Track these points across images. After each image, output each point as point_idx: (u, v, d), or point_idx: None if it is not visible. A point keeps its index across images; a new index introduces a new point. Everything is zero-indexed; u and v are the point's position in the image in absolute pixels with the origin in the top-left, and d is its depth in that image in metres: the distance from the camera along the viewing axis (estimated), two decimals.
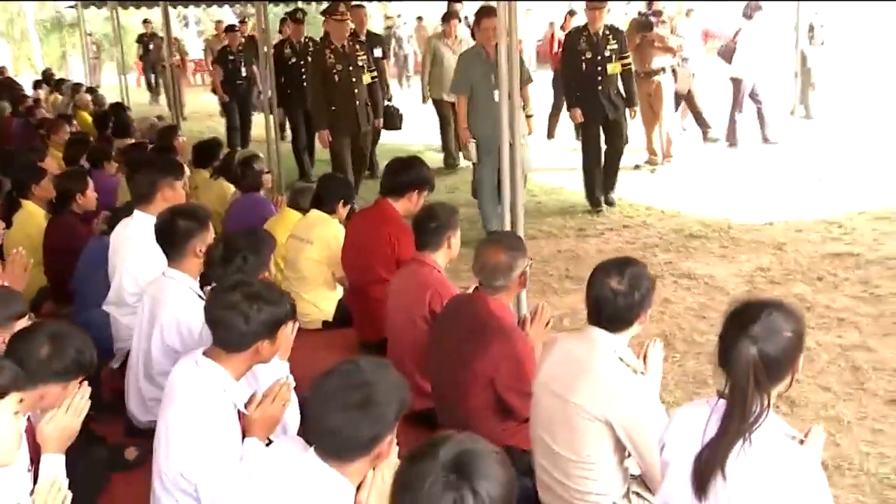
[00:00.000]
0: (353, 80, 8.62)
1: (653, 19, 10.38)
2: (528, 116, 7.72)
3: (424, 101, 11.45)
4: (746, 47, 11.54)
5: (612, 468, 3.12)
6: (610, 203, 8.82)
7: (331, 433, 2.42)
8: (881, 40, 22.23)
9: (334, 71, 8.49)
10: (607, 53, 8.40)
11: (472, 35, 8.88)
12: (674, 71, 10.94)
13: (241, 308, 3.05)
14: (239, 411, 3.09)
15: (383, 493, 2.48)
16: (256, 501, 2.51)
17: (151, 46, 21.26)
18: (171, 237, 4.10)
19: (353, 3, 10.81)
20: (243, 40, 14.11)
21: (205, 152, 7.49)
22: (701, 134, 12.05)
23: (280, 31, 12.86)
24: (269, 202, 6.31)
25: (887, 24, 23.36)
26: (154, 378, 4.02)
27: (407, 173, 5.09)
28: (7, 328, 3.40)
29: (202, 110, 18.59)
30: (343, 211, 5.57)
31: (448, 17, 11.17)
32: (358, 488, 2.49)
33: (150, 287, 4.18)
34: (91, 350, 3.04)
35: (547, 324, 3.99)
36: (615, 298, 3.11)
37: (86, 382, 2.97)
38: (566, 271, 6.81)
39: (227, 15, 27.91)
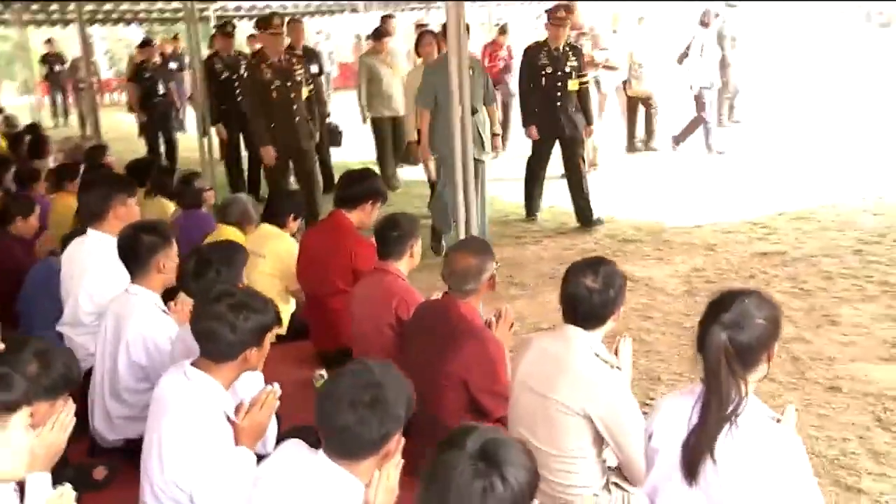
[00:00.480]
0: (292, 95, 8.20)
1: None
2: (493, 135, 7.77)
3: (364, 120, 11.04)
4: (703, 55, 11.64)
5: (592, 461, 3.18)
6: (598, 222, 8.45)
7: (342, 431, 2.45)
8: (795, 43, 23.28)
9: (272, 87, 8.09)
10: (567, 69, 8.26)
11: (416, 50, 8.96)
12: (597, 82, 11.20)
13: (227, 318, 3.06)
14: (228, 419, 3.09)
15: (390, 491, 2.54)
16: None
17: (57, 67, 20.79)
18: (135, 253, 4.05)
19: (291, 18, 10.68)
20: (160, 59, 13.65)
21: (139, 171, 7.34)
22: (644, 140, 12.43)
23: (209, 46, 12.39)
24: (212, 218, 6.25)
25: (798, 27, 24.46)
26: (121, 395, 3.99)
27: (361, 185, 5.14)
28: None
29: (115, 130, 18.21)
30: (293, 225, 5.59)
31: (379, 34, 10.99)
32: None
33: (113, 304, 4.11)
34: (77, 365, 3.02)
35: (511, 326, 4.05)
36: (590, 296, 3.18)
37: (70, 399, 2.93)
38: (509, 277, 6.89)
39: (136, 34, 27.58)
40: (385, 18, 11.38)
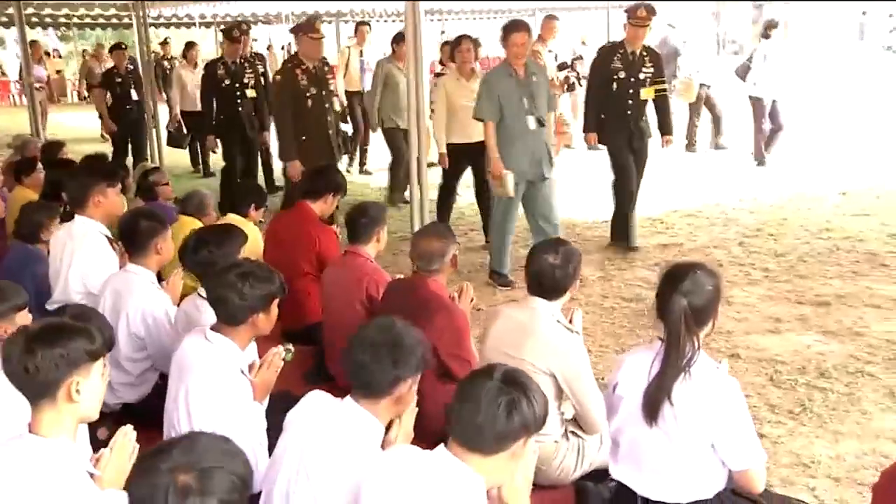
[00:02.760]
0: (326, 105, 7.27)
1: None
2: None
3: (374, 129, 10.14)
4: (768, 66, 10.80)
5: (554, 413, 3.50)
6: (634, 250, 7.40)
7: (360, 368, 2.71)
8: None
9: (307, 95, 7.09)
10: (642, 76, 7.18)
11: (451, 58, 8.13)
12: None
13: (236, 286, 3.30)
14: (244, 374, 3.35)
15: (406, 435, 2.84)
16: (298, 443, 2.75)
17: None
18: (134, 236, 4.29)
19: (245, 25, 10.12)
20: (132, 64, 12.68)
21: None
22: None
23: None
24: (171, 209, 6.38)
25: None
26: (120, 364, 4.18)
27: (323, 179, 5.43)
28: (8, 320, 3.50)
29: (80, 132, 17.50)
30: (256, 214, 5.80)
31: (400, 37, 9.52)
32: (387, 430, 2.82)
33: (112, 281, 4.33)
34: (111, 328, 3.19)
35: (471, 300, 4.35)
36: (553, 271, 3.54)
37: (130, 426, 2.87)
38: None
39: (50, 40, 27.00)
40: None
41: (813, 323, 5.68)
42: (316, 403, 2.85)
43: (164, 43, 16.11)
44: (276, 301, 3.46)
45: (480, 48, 11.85)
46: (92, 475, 2.58)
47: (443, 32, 14.87)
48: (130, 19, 16.97)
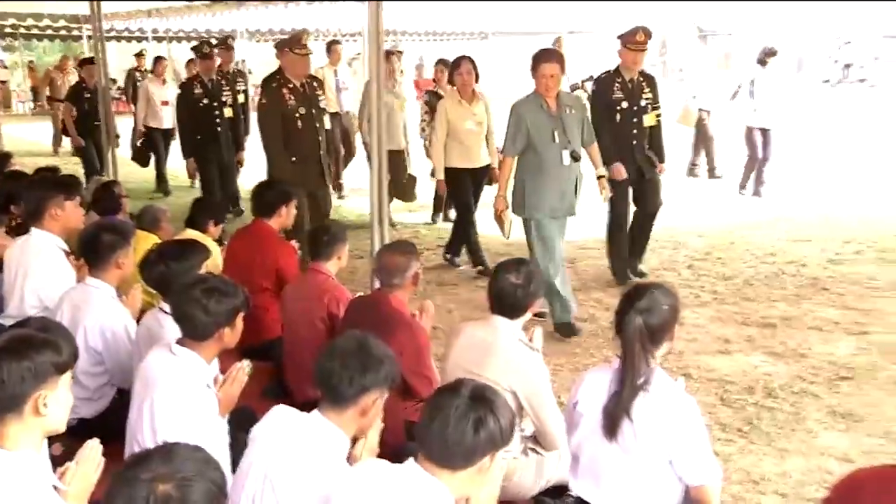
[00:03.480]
0: (317, 125, 6.78)
1: None
2: (599, 177, 6.24)
3: (365, 149, 9.12)
4: (763, 95, 10.46)
5: (515, 430, 3.58)
6: (640, 274, 7.16)
7: (329, 374, 2.73)
8: None
9: (297, 115, 6.60)
10: (643, 103, 6.76)
11: (450, 80, 7.64)
12: None
13: (200, 301, 3.28)
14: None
15: (371, 451, 2.86)
16: (264, 456, 2.74)
17: None
18: (96, 249, 4.25)
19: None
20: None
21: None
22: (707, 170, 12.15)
23: (186, 67, 11.60)
24: (130, 224, 6.32)
25: None
26: (77, 378, 4.04)
27: (271, 193, 5.43)
28: None
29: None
30: (214, 230, 5.77)
31: (386, 56, 9.30)
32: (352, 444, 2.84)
33: (71, 295, 4.28)
34: (73, 339, 3.16)
35: (431, 317, 4.39)
36: (515, 291, 3.59)
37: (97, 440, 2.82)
38: None
39: None
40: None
41: (759, 344, 5.80)
42: (281, 417, 2.85)
43: (139, 55, 15.64)
44: (241, 315, 3.45)
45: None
46: (57, 489, 2.55)
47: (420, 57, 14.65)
48: (80, 31, 16.71)
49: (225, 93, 8.57)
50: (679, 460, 2.96)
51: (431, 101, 9.01)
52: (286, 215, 5.39)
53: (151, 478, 1.88)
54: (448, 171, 7.37)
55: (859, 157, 13.73)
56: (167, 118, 11.46)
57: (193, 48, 9.47)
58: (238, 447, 2.98)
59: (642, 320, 3.00)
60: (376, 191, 5.20)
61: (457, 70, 7.34)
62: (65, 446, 4.06)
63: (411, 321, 4.10)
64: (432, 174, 8.87)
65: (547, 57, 5.73)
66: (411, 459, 2.38)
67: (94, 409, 4.19)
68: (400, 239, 5.13)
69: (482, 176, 7.51)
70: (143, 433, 3.22)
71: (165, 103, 11.42)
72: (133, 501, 1.86)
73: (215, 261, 5.39)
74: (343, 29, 19.03)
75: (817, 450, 4.33)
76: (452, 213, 8.96)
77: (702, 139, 12.22)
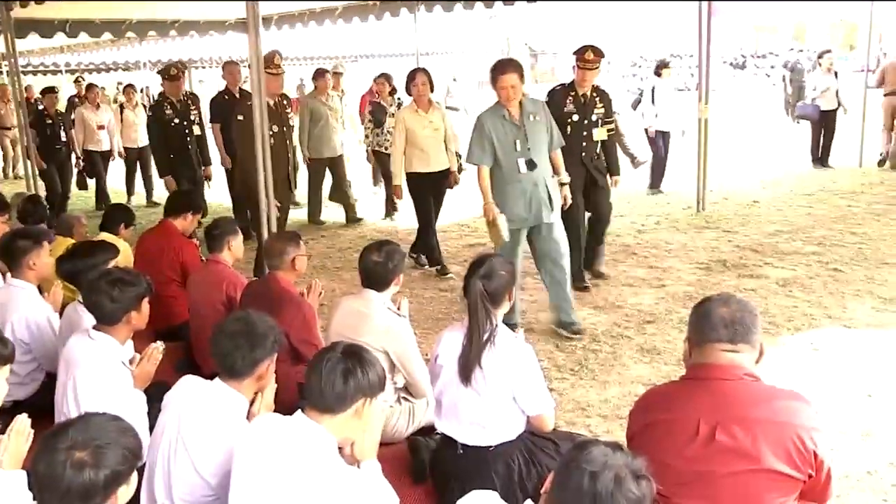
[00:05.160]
0: (287, 142, 6.29)
1: None
2: (561, 184, 5.46)
3: (305, 160, 9.08)
4: (663, 101, 9.98)
5: (388, 383, 3.55)
6: (600, 276, 6.52)
7: (224, 355, 2.72)
8: None
9: (269, 133, 5.85)
10: (594, 117, 6.14)
11: (407, 90, 6.87)
12: None
13: (106, 291, 3.24)
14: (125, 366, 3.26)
15: (267, 407, 2.85)
16: (176, 419, 2.72)
17: None
18: (12, 254, 4.13)
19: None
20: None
21: None
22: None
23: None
24: (49, 231, 6.03)
25: None
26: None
27: (184, 199, 5.32)
28: None
29: None
30: (125, 232, 5.57)
31: (320, 73, 9.14)
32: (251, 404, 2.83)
33: None
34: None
35: (319, 294, 4.37)
36: (376, 267, 3.63)
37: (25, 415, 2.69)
38: None
39: None
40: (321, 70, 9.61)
41: (587, 300, 6.01)
42: (189, 385, 2.83)
43: (78, 81, 14.54)
44: (146, 299, 3.38)
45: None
46: None
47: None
48: None
49: (192, 112, 8.00)
50: (521, 396, 3.04)
51: (376, 111, 8.83)
52: (190, 222, 5.31)
53: (69, 446, 1.86)
54: (409, 175, 6.81)
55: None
56: (105, 141, 10.86)
57: (161, 71, 8.66)
58: (155, 415, 2.92)
59: (482, 285, 3.05)
60: (263, 195, 5.17)
61: (412, 82, 6.76)
62: (2, 423, 3.92)
63: (298, 297, 4.09)
64: (382, 179, 8.92)
65: (503, 68, 5.05)
66: (299, 411, 2.39)
67: (27, 392, 4.04)
68: (289, 230, 5.07)
69: (442, 179, 6.89)
70: (69, 407, 3.14)
71: (101, 127, 10.81)
72: (53, 467, 1.84)
73: (127, 258, 5.24)
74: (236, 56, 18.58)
75: (629, 379, 4.55)
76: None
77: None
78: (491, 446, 3.09)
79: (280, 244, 4.17)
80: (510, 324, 5.78)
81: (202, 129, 8.38)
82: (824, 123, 11.34)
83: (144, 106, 11.94)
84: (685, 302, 5.71)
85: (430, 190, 6.83)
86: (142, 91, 15.36)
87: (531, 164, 5.06)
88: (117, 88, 18.75)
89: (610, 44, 32.75)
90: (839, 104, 11.23)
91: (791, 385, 2.52)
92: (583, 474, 1.78)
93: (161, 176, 8.22)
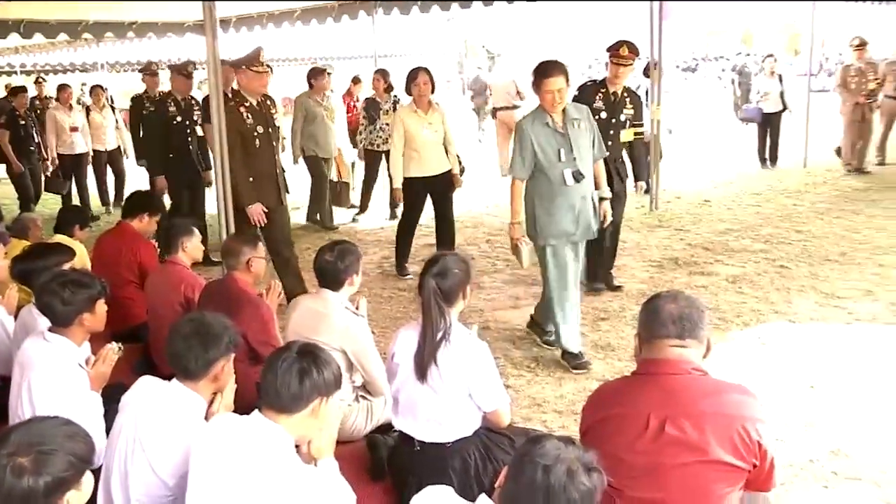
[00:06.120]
0: (274, 143, 5.76)
1: None
2: (601, 199, 4.93)
3: (296, 160, 8.84)
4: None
5: (346, 382, 3.50)
6: (614, 288, 6.11)
7: (177, 357, 2.68)
8: None
9: (255, 134, 5.52)
10: (622, 118, 5.79)
11: (407, 90, 6.46)
12: None
13: (58, 293, 3.17)
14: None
15: (227, 407, 2.81)
16: (133, 419, 2.67)
17: None
18: None
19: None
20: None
21: None
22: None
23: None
24: (3, 234, 5.89)
25: None
26: None
27: (140, 201, 5.22)
28: None
29: None
30: (81, 234, 5.46)
31: (318, 72, 8.76)
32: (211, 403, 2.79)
33: None
34: None
35: (279, 295, 4.32)
36: (329, 266, 3.61)
37: None
38: None
39: None
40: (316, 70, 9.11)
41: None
42: (146, 386, 2.78)
43: (38, 82, 13.63)
44: (100, 301, 3.31)
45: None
46: None
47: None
48: None
49: (196, 112, 7.53)
50: (476, 392, 3.03)
51: (369, 108, 8.67)
52: (147, 223, 5.18)
53: (11, 451, 1.82)
54: (404, 180, 6.45)
55: None
56: (79, 144, 10.16)
57: (174, 67, 8.03)
58: (112, 416, 2.87)
59: (435, 283, 3.02)
60: (222, 198, 5.11)
61: (413, 81, 6.31)
62: None
63: (255, 298, 4.05)
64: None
65: (548, 70, 4.54)
66: (256, 410, 2.36)
67: None
68: (249, 234, 4.99)
69: (443, 184, 6.50)
70: (23, 410, 3.05)
71: (75, 129, 10.11)
72: None
73: (83, 260, 5.14)
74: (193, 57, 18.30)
75: (584, 375, 4.60)
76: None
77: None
78: (448, 443, 3.08)
79: (235, 245, 4.13)
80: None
81: (204, 130, 7.75)
82: (769, 125, 11.59)
83: (113, 108, 11.58)
84: (638, 299, 5.77)
85: (426, 195, 6.49)
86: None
87: (578, 176, 4.59)
88: (81, 90, 18.28)
89: (565, 46, 33.27)
90: (784, 106, 11.47)
91: (739, 378, 2.57)
92: (536, 468, 1.81)
93: (152, 175, 7.53)
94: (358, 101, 10.29)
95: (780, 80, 11.53)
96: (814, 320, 5.34)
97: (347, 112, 10.57)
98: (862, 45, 10.78)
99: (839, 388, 4.30)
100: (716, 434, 2.20)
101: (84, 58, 18.18)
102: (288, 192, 6.15)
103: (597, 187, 4.87)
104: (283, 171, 6.00)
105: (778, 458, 2.31)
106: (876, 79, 10.66)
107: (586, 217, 4.69)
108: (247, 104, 5.53)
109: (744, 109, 12.75)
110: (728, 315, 5.45)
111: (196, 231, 4.66)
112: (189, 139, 7.49)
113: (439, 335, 3.00)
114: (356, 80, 10.87)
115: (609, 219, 5.05)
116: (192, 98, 7.78)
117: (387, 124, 8.48)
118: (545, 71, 4.55)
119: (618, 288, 6.12)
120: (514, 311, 5.81)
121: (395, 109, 8.35)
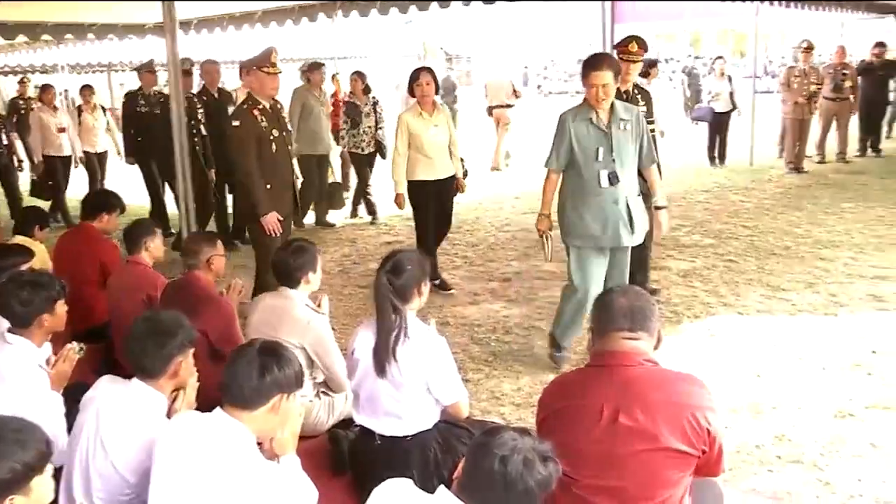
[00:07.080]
0: (289, 147, 5.44)
1: None
2: (657, 208, 4.62)
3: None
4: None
5: (307, 378, 3.53)
6: (652, 292, 5.49)
7: (134, 356, 2.64)
8: None
9: (271, 138, 5.12)
10: None
11: (410, 91, 6.02)
12: None
13: (16, 294, 3.11)
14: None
15: (189, 405, 2.77)
16: (94, 419, 2.62)
17: None
18: None
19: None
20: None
21: None
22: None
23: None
24: None
25: None
26: None
27: (98, 200, 5.14)
28: None
29: None
30: (41, 234, 5.34)
31: (316, 66, 8.54)
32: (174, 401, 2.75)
33: None
34: None
35: (239, 292, 4.27)
36: (283, 263, 3.62)
37: None
38: None
39: None
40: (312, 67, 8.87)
41: (500, 294, 6.10)
42: (107, 385, 2.74)
43: (22, 82, 12.71)
44: (60, 302, 3.24)
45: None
46: None
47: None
48: None
49: (199, 111, 7.32)
50: (435, 386, 3.03)
51: (350, 112, 8.50)
52: (107, 222, 5.07)
53: None
54: (411, 184, 5.98)
55: None
56: (66, 145, 9.56)
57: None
58: (74, 416, 2.81)
59: (388, 279, 3.00)
60: (183, 200, 5.04)
61: (416, 82, 5.86)
62: None
63: (216, 296, 4.01)
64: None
65: (597, 63, 4.18)
66: (218, 408, 2.34)
67: None
68: (201, 233, 4.93)
69: (448, 187, 6.13)
70: None
71: (62, 130, 9.51)
72: None
73: (43, 260, 5.03)
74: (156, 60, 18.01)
75: (541, 368, 4.62)
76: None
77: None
78: (408, 436, 3.09)
79: (195, 243, 4.10)
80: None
81: (208, 129, 7.65)
82: (718, 125, 11.79)
83: (104, 109, 11.21)
84: None
85: (433, 199, 6.07)
86: (61, 94, 14.57)
87: (613, 178, 4.26)
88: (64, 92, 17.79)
89: (521, 48, 33.42)
90: (734, 106, 11.68)
91: (689, 368, 2.60)
92: (493, 458, 1.82)
93: (163, 179, 7.63)
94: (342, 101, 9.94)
95: (730, 81, 11.76)
96: (760, 312, 5.45)
97: (334, 111, 10.11)
98: (809, 49, 11.03)
99: (783, 376, 4.39)
100: (667, 422, 2.23)
101: (44, 59, 17.75)
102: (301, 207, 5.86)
103: (651, 194, 4.62)
104: (298, 178, 5.66)
105: (726, 445, 2.35)
106: (816, 82, 10.92)
107: (615, 223, 4.31)
108: (259, 107, 5.15)
109: (695, 109, 12.98)
110: (680, 308, 5.53)
111: (159, 231, 4.59)
112: (195, 138, 7.29)
113: (394, 332, 2.98)
114: (335, 78, 10.81)
115: (664, 229, 4.71)
116: (193, 96, 7.58)
117: (369, 127, 8.43)
118: (592, 64, 4.19)
119: (654, 292, 5.60)
120: (473, 307, 5.82)
121: (374, 111, 8.47)
